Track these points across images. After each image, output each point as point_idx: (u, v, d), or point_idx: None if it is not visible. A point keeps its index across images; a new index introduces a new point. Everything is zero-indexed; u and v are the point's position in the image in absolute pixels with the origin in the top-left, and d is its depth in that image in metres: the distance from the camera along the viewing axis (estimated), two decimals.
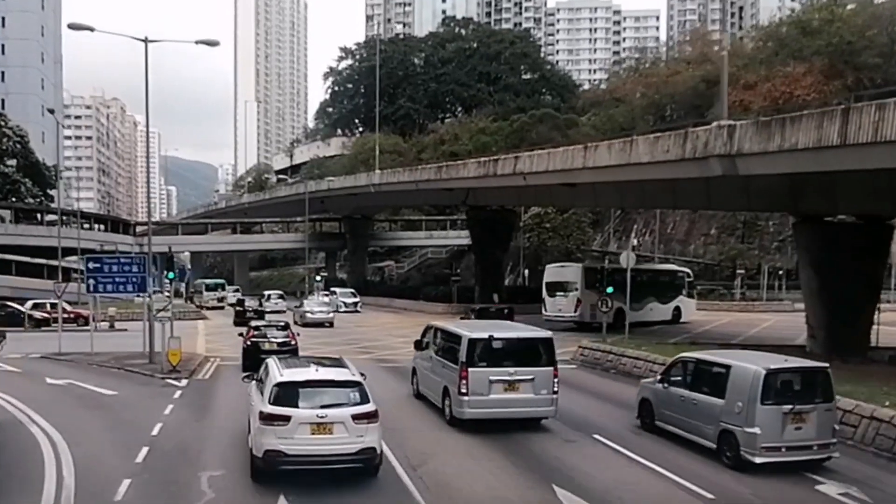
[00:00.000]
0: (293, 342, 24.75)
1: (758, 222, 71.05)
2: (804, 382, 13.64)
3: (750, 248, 69.79)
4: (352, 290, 59.70)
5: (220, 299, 61.41)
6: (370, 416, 12.12)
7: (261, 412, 12.11)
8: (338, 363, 13.78)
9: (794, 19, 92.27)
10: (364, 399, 12.31)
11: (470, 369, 15.74)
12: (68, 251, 55.43)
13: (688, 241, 75.16)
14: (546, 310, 42.65)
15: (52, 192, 78.72)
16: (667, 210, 79.28)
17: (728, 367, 13.89)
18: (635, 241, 75.10)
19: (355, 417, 11.98)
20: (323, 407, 12.05)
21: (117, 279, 28.71)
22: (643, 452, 14.40)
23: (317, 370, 13.05)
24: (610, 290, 29.21)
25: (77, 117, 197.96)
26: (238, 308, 46.11)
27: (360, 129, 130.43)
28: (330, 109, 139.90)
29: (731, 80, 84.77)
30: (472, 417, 15.85)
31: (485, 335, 16.29)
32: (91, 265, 28.65)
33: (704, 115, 61.93)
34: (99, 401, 19.95)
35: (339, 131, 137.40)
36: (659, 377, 16.04)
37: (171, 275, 30.00)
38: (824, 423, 13.29)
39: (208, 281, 67.48)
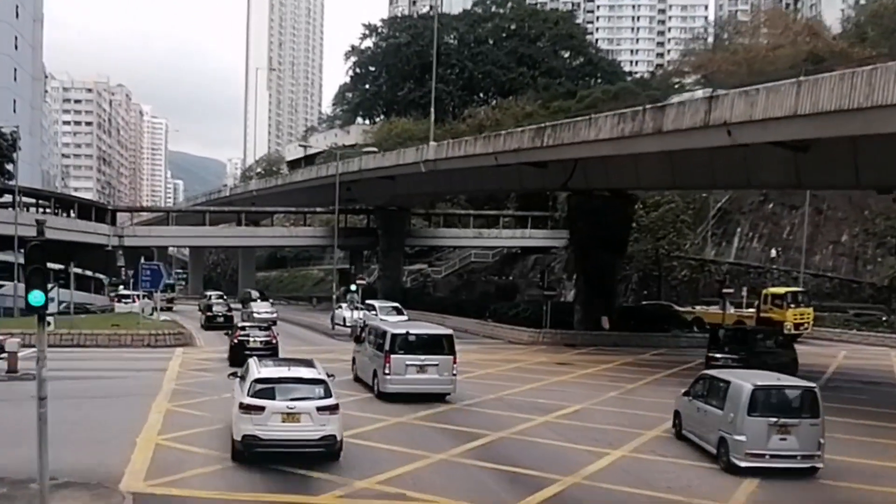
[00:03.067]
0: (274, 341, 26.46)
1: None
2: (792, 399, 14.30)
3: None
4: (395, 305, 41.51)
5: (170, 300, 57.86)
6: (332, 409, 13.24)
7: (240, 403, 13.29)
8: (308, 364, 14.64)
9: None
10: (328, 394, 13.44)
11: (392, 356, 19.45)
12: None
13: (812, 250, 57.15)
14: None
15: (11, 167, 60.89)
16: (781, 210, 61.90)
17: (728, 383, 14.68)
18: (774, 253, 57.20)
19: (319, 409, 13.11)
20: (293, 399, 13.19)
21: None
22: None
23: (289, 369, 14.18)
24: None
25: (77, 101, 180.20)
26: (208, 313, 42.61)
27: (383, 114, 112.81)
28: (350, 94, 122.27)
29: (843, 57, 68.13)
30: (393, 391, 19.48)
31: (403, 331, 20.53)
32: None
33: None
34: None
35: (360, 119, 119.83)
36: (685, 391, 16.50)
37: (36, 299, 11.11)
38: (809, 436, 13.79)
39: None
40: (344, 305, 42.54)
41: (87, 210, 55.78)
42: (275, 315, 42.66)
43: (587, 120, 30.30)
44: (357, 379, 22.18)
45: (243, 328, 27.39)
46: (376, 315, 40.20)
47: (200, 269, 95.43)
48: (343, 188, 53.95)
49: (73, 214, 56.15)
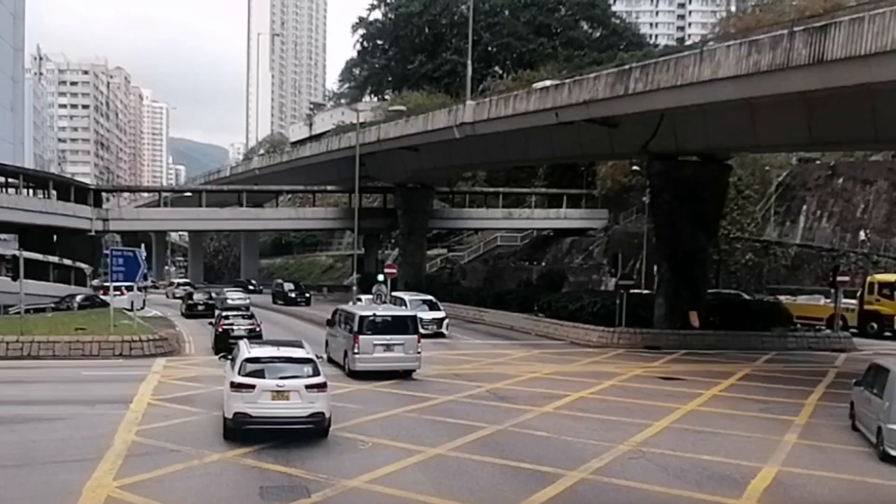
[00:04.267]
0: (258, 328, 26.78)
1: None
2: None
3: None
4: (429, 298, 34.02)
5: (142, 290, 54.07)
6: (320, 387, 13.42)
7: (231, 382, 13.34)
8: (297, 344, 15.12)
9: None
10: (316, 373, 13.63)
11: (360, 336, 20.44)
12: None
13: (889, 231, 49.64)
14: None
15: None
16: (853, 185, 54.20)
17: (888, 371, 13.81)
18: (863, 236, 49.47)
19: (308, 387, 13.27)
20: (282, 378, 13.31)
21: None
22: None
23: (278, 349, 14.54)
24: None
25: (73, 83, 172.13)
26: (189, 301, 42.99)
27: (393, 89, 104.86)
28: (357, 69, 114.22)
29: None
30: (362, 370, 20.36)
31: (370, 313, 21.43)
32: None
33: None
34: None
35: (368, 97, 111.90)
36: (857, 380, 15.67)
37: None
38: None
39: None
40: (365, 298, 35.30)
41: (66, 190, 48.08)
42: (248, 301, 42.32)
43: (696, 54, 22.63)
44: (330, 360, 22.76)
45: (227, 317, 27.65)
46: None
47: (200, 257, 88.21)
48: (353, 163, 46.38)
49: (51, 196, 48.49)
